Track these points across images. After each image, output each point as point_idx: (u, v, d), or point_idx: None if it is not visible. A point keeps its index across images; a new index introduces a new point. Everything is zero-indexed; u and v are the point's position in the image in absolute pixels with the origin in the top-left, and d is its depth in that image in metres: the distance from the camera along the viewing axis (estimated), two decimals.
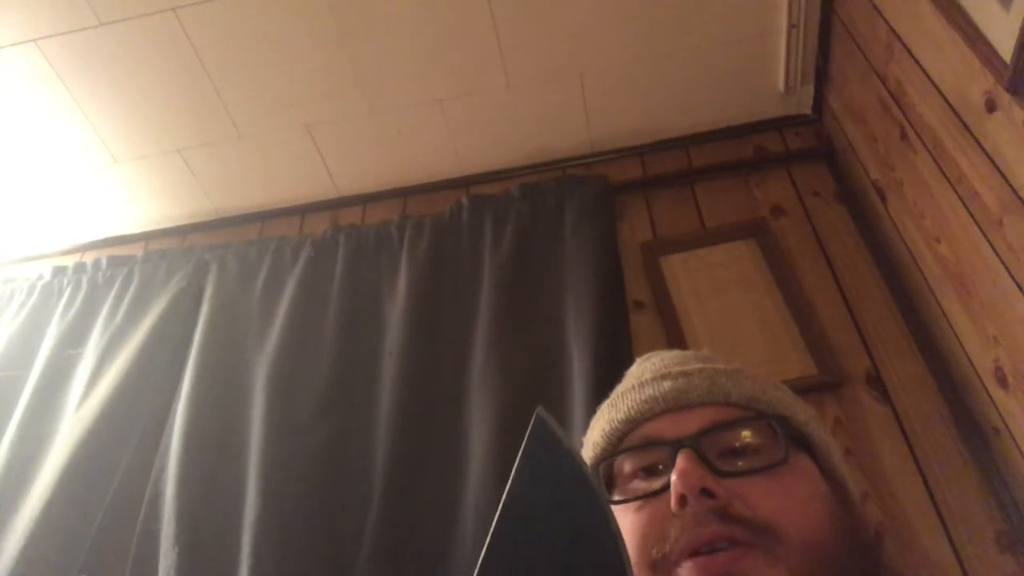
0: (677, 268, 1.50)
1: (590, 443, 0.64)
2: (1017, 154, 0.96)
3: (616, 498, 0.57)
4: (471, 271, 1.56)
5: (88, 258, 1.90)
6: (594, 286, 1.44)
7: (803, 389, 1.27)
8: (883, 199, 1.44)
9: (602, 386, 1.28)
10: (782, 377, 1.28)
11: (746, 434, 0.56)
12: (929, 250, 1.27)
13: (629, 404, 0.61)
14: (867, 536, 0.57)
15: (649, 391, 0.60)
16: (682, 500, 0.51)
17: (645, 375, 0.63)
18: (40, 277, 1.86)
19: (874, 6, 1.32)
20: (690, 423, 0.57)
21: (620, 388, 0.65)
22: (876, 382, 1.26)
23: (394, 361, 1.44)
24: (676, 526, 0.51)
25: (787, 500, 0.52)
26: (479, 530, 1.19)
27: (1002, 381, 1.08)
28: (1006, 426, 1.09)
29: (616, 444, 0.60)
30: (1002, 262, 1.03)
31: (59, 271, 1.87)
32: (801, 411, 0.62)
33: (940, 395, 1.22)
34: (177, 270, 1.75)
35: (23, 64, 1.61)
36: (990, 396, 1.13)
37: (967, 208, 1.11)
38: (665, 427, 0.58)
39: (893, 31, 1.27)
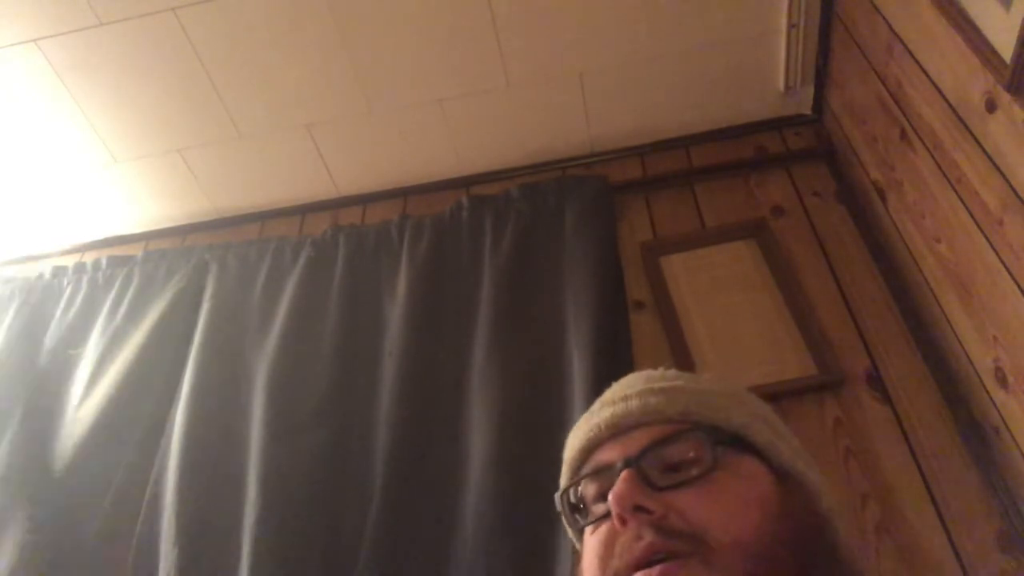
0: (677, 268, 1.50)
1: (562, 474, 0.69)
2: (1017, 154, 0.96)
3: (581, 522, 0.62)
4: (471, 271, 1.56)
5: (88, 258, 1.90)
6: (594, 286, 1.44)
7: (803, 389, 1.27)
8: (883, 199, 1.44)
9: (602, 386, 1.27)
10: (782, 377, 1.29)
11: (682, 446, 0.60)
12: (929, 250, 1.27)
13: (580, 434, 0.66)
14: (814, 527, 0.59)
15: (595, 420, 0.65)
16: (622, 519, 0.55)
17: (595, 405, 0.69)
18: (40, 277, 1.86)
19: (874, 6, 1.32)
20: (630, 445, 0.61)
21: (582, 417, 0.70)
22: (876, 382, 1.26)
23: (394, 361, 1.44)
24: (620, 543, 0.55)
25: (717, 506, 0.55)
26: (479, 530, 1.19)
27: (1002, 381, 1.08)
28: (1006, 426, 1.09)
29: (576, 472, 0.66)
30: (1002, 262, 1.03)
31: (59, 271, 1.87)
32: (740, 414, 0.64)
33: (940, 395, 1.22)
34: (177, 270, 1.75)
35: (23, 64, 1.61)
36: (990, 396, 1.13)
37: (967, 208, 1.11)
38: (610, 452, 0.63)
39: (893, 31, 1.27)
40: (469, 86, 1.67)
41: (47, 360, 1.64)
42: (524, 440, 1.26)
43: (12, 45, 1.58)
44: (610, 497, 0.56)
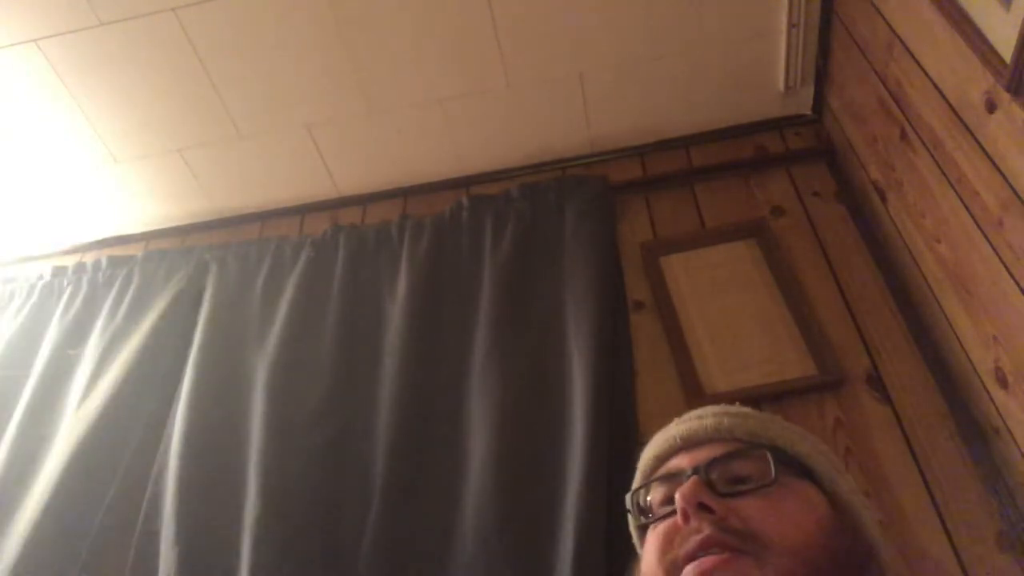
0: (677, 268, 1.50)
1: (635, 480, 0.79)
2: (1017, 154, 0.96)
3: (646, 521, 0.70)
4: (471, 271, 1.56)
5: (88, 258, 1.90)
6: (594, 286, 1.44)
7: (803, 389, 1.27)
8: (883, 199, 1.44)
9: (602, 386, 1.28)
10: (782, 377, 1.29)
11: (746, 463, 0.68)
12: (929, 250, 1.27)
13: (656, 444, 0.76)
14: (863, 552, 0.66)
15: (671, 432, 0.75)
16: (684, 514, 0.62)
17: (670, 424, 0.78)
18: (40, 277, 1.86)
19: (874, 6, 1.32)
20: (700, 457, 0.70)
21: (656, 435, 0.80)
22: (876, 382, 1.26)
23: (394, 361, 1.44)
24: (681, 536, 0.62)
25: (775, 514, 0.62)
26: (479, 529, 1.19)
27: (1002, 381, 1.08)
28: (1006, 426, 1.09)
29: (648, 477, 0.75)
30: (1002, 262, 1.03)
31: (59, 271, 1.87)
32: (804, 444, 0.72)
33: (940, 395, 1.22)
34: (177, 270, 1.75)
35: (23, 64, 1.61)
36: (990, 396, 1.13)
37: (967, 208, 1.11)
38: (682, 461, 0.72)
39: (893, 31, 1.27)
40: (469, 86, 1.67)
41: (47, 360, 1.64)
42: (524, 440, 1.26)
43: (12, 45, 1.58)
44: (677, 494, 0.64)
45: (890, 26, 1.28)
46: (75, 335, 1.69)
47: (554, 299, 1.46)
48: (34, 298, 1.81)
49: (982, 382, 1.15)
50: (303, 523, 1.26)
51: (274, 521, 1.27)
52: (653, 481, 0.73)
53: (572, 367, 1.34)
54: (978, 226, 1.08)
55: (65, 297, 1.78)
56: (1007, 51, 0.92)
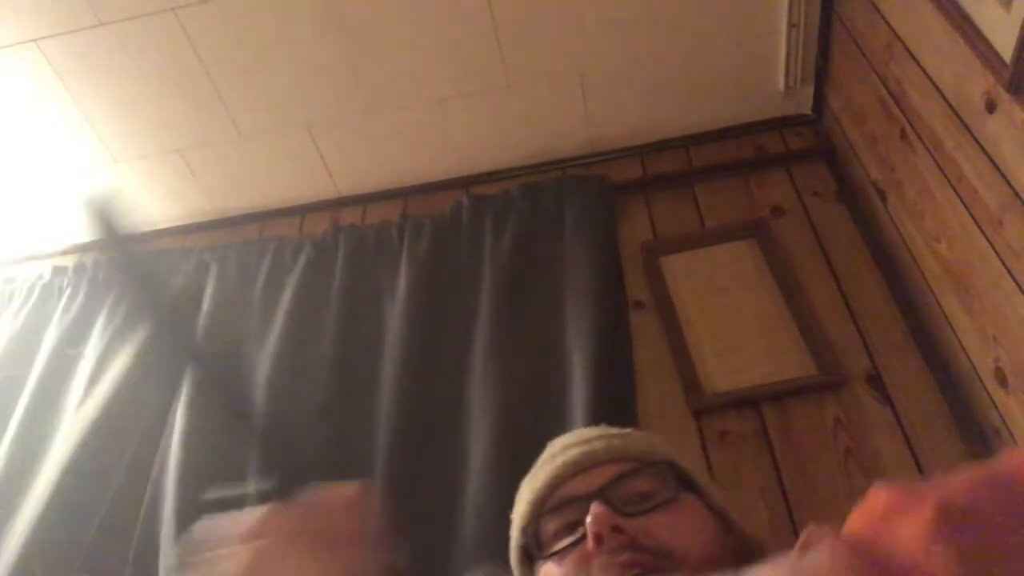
0: (677, 268, 1.50)
1: (517, 516, 0.76)
2: (1017, 154, 0.96)
3: (545, 554, 0.69)
4: (471, 271, 1.56)
5: (88, 258, 1.90)
6: (594, 286, 1.44)
7: (803, 389, 1.27)
8: (883, 199, 1.44)
9: (602, 386, 1.28)
10: (782, 377, 1.29)
11: (643, 481, 0.69)
12: (929, 250, 1.27)
13: (546, 472, 0.74)
14: (749, 552, 0.68)
15: (560, 459, 0.74)
16: (598, 539, 0.62)
17: (555, 449, 0.78)
18: (40, 277, 1.86)
19: (874, 6, 1.32)
20: (596, 480, 0.69)
21: (535, 466, 0.79)
22: (876, 382, 1.26)
23: (394, 361, 1.44)
24: (596, 564, 0.61)
25: (682, 529, 0.64)
26: (479, 529, 1.19)
27: (1002, 381, 1.08)
28: (1006, 426, 1.09)
29: (539, 508, 0.73)
30: (1002, 262, 1.03)
31: (59, 271, 1.87)
32: (685, 460, 0.76)
33: (940, 395, 1.22)
34: (177, 270, 1.75)
35: (23, 64, 1.61)
36: (990, 396, 1.13)
37: (967, 208, 1.11)
38: (578, 486, 0.71)
39: (893, 31, 1.27)
40: (469, 86, 1.67)
41: (47, 360, 1.64)
42: (523, 440, 1.26)
43: (12, 45, 1.58)
44: (589, 519, 0.63)
45: (890, 26, 1.28)
46: (75, 335, 1.69)
47: (554, 299, 1.46)
48: (34, 298, 1.81)
49: (982, 382, 1.15)
50: None
51: None
52: (546, 512, 0.71)
53: (572, 367, 1.34)
54: (978, 226, 1.08)
55: (65, 297, 1.78)
56: (1007, 51, 0.92)
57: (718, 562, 0.61)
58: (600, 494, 0.66)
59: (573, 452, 0.74)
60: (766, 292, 1.42)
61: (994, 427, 1.13)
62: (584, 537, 0.64)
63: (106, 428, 1.47)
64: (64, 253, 1.96)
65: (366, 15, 1.55)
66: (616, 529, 0.62)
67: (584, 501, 0.66)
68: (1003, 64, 0.94)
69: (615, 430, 0.78)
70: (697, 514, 0.68)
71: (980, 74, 1.01)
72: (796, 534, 0.69)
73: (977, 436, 1.15)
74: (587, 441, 0.75)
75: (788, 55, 1.61)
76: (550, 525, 0.70)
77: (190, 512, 1.33)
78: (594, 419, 1.22)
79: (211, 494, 0.58)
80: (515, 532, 0.75)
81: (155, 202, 1.89)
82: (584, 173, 1.72)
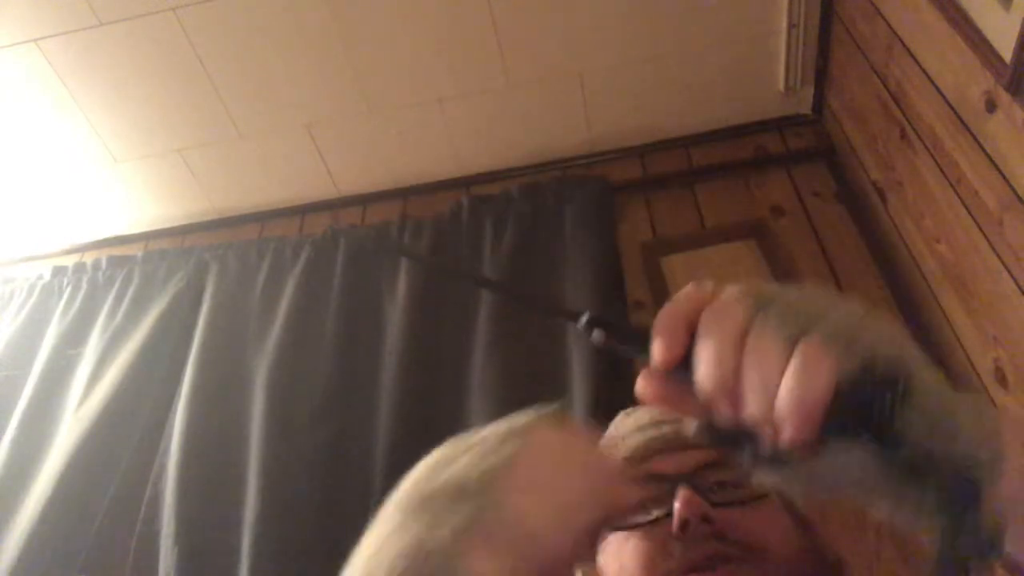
0: (677, 268, 1.50)
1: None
2: (1017, 154, 0.96)
3: (618, 524, 0.66)
4: (471, 271, 1.56)
5: (88, 258, 1.90)
6: (594, 286, 1.44)
7: None
8: (883, 199, 1.44)
9: (602, 386, 1.28)
10: None
11: (731, 472, 0.65)
12: (929, 250, 1.27)
13: (631, 443, 0.70)
14: (832, 559, 0.66)
15: (651, 432, 0.70)
16: (684, 525, 0.59)
17: (640, 420, 0.73)
18: (40, 277, 1.87)
19: (874, 6, 1.32)
20: (686, 462, 0.66)
21: (619, 432, 0.74)
22: None
23: (394, 361, 1.44)
24: (679, 547, 0.59)
25: (767, 527, 0.62)
26: None
27: (1002, 381, 1.08)
28: None
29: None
30: (1002, 262, 1.03)
31: (59, 271, 1.87)
32: None
33: None
34: (177, 270, 1.75)
35: (23, 64, 1.61)
36: (990, 396, 1.13)
37: (967, 208, 1.11)
38: (665, 465, 0.67)
39: (893, 31, 1.27)
40: (469, 86, 1.67)
41: (47, 360, 1.64)
42: None
43: (12, 45, 1.58)
44: (678, 504, 0.60)
45: (890, 26, 1.28)
46: (75, 335, 1.69)
47: (554, 299, 1.46)
48: (34, 298, 1.81)
49: (982, 382, 1.15)
50: (303, 523, 1.26)
51: (274, 521, 1.27)
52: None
53: (572, 367, 1.34)
54: (978, 226, 1.08)
55: (65, 297, 1.78)
56: (1007, 51, 0.92)
57: (797, 567, 0.60)
58: (690, 478, 0.63)
59: (666, 428, 0.70)
60: None
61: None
62: (662, 519, 0.61)
63: (106, 428, 1.47)
64: (64, 253, 1.96)
65: (366, 16, 1.55)
66: (706, 518, 0.60)
67: (670, 481, 0.63)
68: (1003, 64, 0.94)
69: None
70: (783, 514, 0.65)
71: (980, 74, 1.01)
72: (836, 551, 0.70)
73: None
74: (679, 420, 0.69)
75: (788, 55, 1.61)
76: (631, 493, 0.69)
77: (190, 512, 1.33)
78: (594, 419, 1.22)
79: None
80: None
81: (155, 202, 1.89)
82: (584, 173, 1.72)
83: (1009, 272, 1.02)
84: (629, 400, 1.40)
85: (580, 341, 1.36)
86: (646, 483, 0.66)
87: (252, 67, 1.63)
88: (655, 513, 0.63)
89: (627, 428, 0.74)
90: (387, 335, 1.50)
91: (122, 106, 1.69)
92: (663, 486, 0.64)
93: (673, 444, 0.68)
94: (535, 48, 1.61)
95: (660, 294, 1.46)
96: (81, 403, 1.53)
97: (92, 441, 1.45)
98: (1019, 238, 0.98)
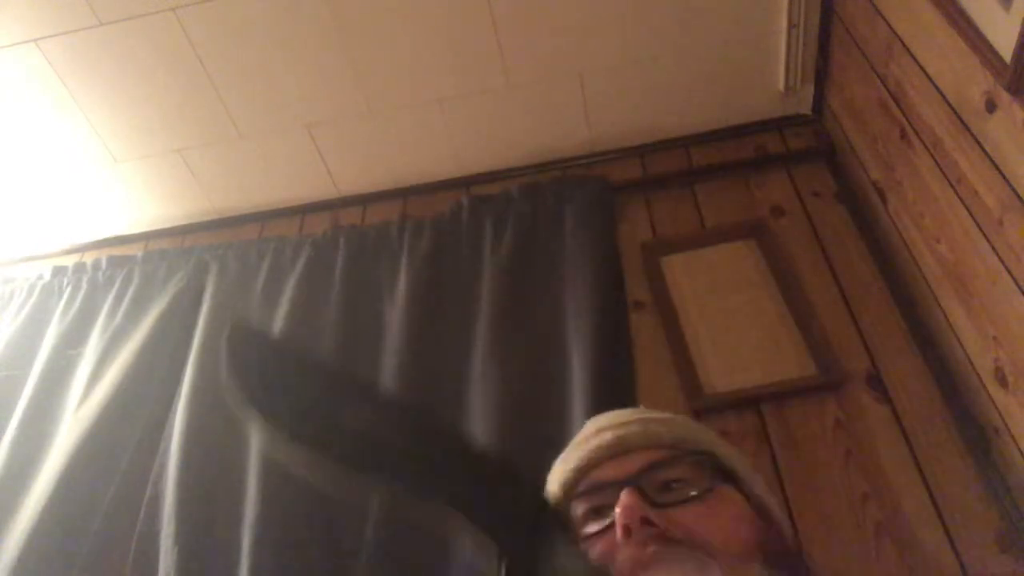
0: (677, 268, 1.50)
1: (550, 495, 0.73)
2: (1017, 154, 0.96)
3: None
4: (471, 271, 1.56)
5: (88, 258, 1.90)
6: (594, 286, 1.44)
7: (803, 389, 1.27)
8: (883, 199, 1.44)
9: (602, 386, 1.28)
10: (782, 377, 1.29)
11: (678, 470, 0.66)
12: (929, 250, 1.27)
13: (577, 455, 0.71)
14: (790, 549, 0.67)
15: (594, 442, 0.70)
16: (626, 530, 0.60)
17: (589, 431, 0.74)
18: (40, 277, 1.86)
19: (874, 6, 1.32)
20: (630, 466, 0.67)
21: (569, 445, 0.75)
22: (876, 382, 1.26)
23: (394, 361, 1.44)
24: (623, 554, 0.60)
25: (716, 521, 0.62)
26: None
27: (1002, 381, 1.08)
28: (1006, 426, 1.09)
29: (569, 492, 0.70)
30: (1002, 262, 1.03)
31: (59, 271, 1.87)
32: (725, 448, 0.72)
33: (940, 395, 1.22)
34: (177, 270, 1.75)
35: (23, 64, 1.61)
36: (990, 396, 1.13)
37: (967, 208, 1.11)
38: (609, 472, 0.68)
39: (893, 31, 1.27)
40: (469, 86, 1.67)
41: (47, 360, 1.64)
42: (524, 440, 1.26)
43: (12, 45, 1.58)
44: (618, 509, 0.61)
45: (890, 26, 1.28)
46: (75, 335, 1.69)
47: (554, 299, 1.46)
48: (34, 298, 1.81)
49: (982, 382, 1.15)
50: (303, 523, 1.26)
51: (274, 521, 1.27)
52: (576, 496, 0.68)
53: (572, 367, 1.34)
54: (978, 226, 1.08)
55: (65, 297, 1.78)
56: (1007, 51, 0.92)
57: (752, 558, 0.59)
58: (631, 482, 0.64)
59: (607, 435, 0.70)
60: (766, 292, 1.42)
61: (994, 427, 1.13)
62: (613, 524, 0.62)
63: (106, 428, 1.47)
64: (64, 253, 1.96)
65: (366, 16, 1.55)
66: (645, 521, 0.60)
67: (615, 487, 0.64)
68: (1003, 64, 0.94)
69: (656, 413, 0.74)
70: (734, 507, 0.65)
71: (980, 74, 1.01)
72: (796, 535, 0.69)
73: (977, 436, 1.15)
74: (623, 424, 0.71)
75: (788, 55, 1.62)
76: (579, 509, 0.67)
77: (190, 512, 1.33)
78: None
79: None
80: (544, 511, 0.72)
81: (155, 202, 1.89)
82: (584, 173, 1.72)
83: (1009, 272, 1.02)
84: (629, 400, 1.40)
85: (580, 341, 1.36)
86: (593, 493, 0.67)
87: (252, 67, 1.63)
88: (602, 522, 0.64)
89: (577, 439, 0.75)
90: (387, 335, 1.50)
91: (122, 106, 1.69)
92: (610, 494, 0.64)
93: (616, 450, 0.69)
94: (535, 48, 1.61)
95: (660, 294, 1.46)
96: (81, 403, 1.53)
97: (92, 441, 1.45)
98: (1019, 238, 0.98)
